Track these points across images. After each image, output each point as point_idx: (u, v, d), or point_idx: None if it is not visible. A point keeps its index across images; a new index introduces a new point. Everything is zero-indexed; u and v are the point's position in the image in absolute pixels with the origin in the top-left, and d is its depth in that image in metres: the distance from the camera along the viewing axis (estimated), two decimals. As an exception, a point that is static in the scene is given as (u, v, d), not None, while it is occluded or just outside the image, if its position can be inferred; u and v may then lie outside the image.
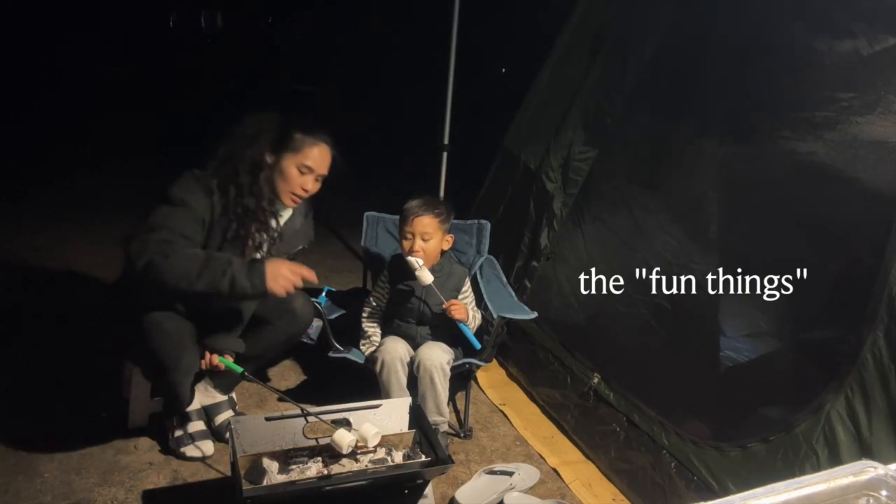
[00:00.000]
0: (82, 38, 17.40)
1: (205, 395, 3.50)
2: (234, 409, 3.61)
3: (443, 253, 3.78)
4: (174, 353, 3.09)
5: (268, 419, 2.97)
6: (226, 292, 2.87)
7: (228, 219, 3.13)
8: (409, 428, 3.12)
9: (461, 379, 3.78)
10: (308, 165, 3.23)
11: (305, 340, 3.60)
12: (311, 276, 3.03)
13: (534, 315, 3.92)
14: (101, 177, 7.73)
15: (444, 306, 3.58)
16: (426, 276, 3.54)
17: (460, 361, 3.68)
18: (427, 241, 3.62)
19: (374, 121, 13.44)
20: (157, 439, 3.41)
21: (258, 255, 3.23)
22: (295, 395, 3.91)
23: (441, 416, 3.52)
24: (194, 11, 22.00)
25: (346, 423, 3.04)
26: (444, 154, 5.66)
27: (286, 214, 3.37)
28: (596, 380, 3.68)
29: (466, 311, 3.64)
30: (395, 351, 3.52)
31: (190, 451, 3.31)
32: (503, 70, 13.24)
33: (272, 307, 3.36)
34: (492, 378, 4.39)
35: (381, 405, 3.14)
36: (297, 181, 3.23)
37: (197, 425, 3.38)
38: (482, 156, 5.29)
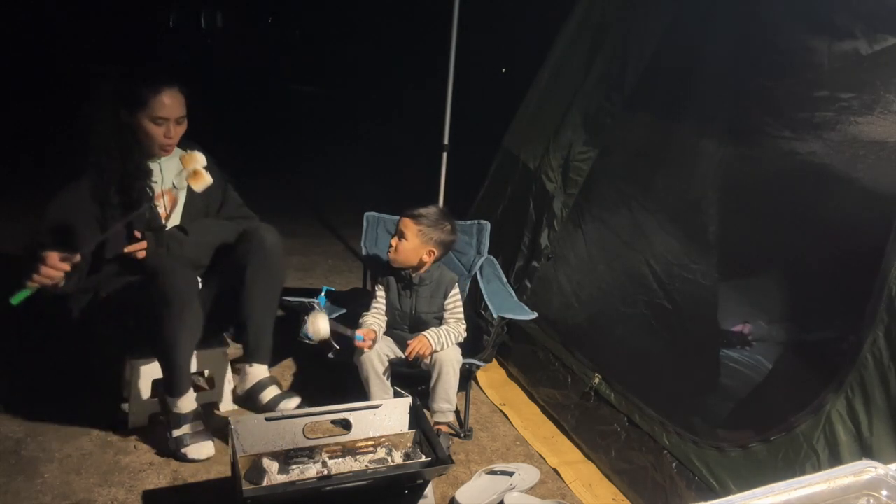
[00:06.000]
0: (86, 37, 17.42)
1: (245, 377, 3.58)
2: (278, 386, 3.66)
3: (433, 262, 3.83)
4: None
5: (268, 419, 2.97)
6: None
7: (111, 186, 3.26)
8: (410, 428, 3.13)
9: (462, 379, 3.77)
10: (160, 116, 3.27)
11: (307, 341, 3.60)
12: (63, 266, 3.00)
13: (534, 315, 3.92)
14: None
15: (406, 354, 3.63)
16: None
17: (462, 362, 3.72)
18: (403, 240, 3.73)
19: (374, 121, 13.45)
20: (157, 439, 3.40)
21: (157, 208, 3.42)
22: (300, 377, 4.07)
23: (448, 402, 3.59)
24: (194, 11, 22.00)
25: (344, 424, 3.05)
26: (445, 154, 5.66)
27: (168, 165, 3.48)
28: (596, 380, 3.68)
29: (427, 342, 3.61)
30: (372, 363, 3.60)
31: (190, 452, 3.28)
32: (503, 70, 13.24)
33: (238, 250, 3.49)
34: (492, 378, 4.39)
35: (381, 405, 3.14)
36: (157, 132, 3.29)
37: (194, 426, 3.34)
38: (482, 156, 5.30)
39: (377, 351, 3.61)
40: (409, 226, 3.73)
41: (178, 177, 3.42)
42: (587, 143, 4.24)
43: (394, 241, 3.75)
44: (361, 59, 17.81)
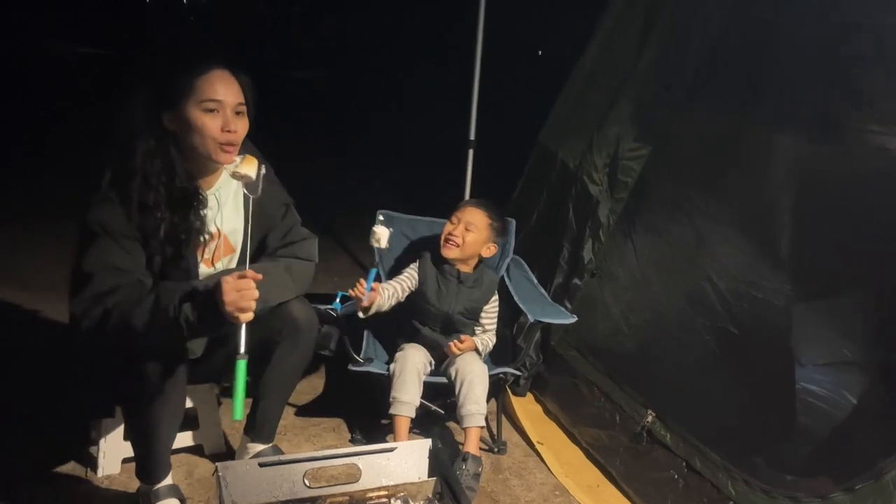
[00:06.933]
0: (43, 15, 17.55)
1: (244, 451, 3.54)
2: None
3: (480, 262, 4.16)
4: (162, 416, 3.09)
5: (262, 465, 2.98)
6: (185, 335, 2.83)
7: (156, 224, 2.97)
8: (429, 475, 3.14)
9: (493, 389, 4.00)
10: (212, 98, 2.95)
11: (323, 352, 3.66)
12: (255, 275, 2.82)
13: (573, 319, 4.05)
14: (62, 177, 7.76)
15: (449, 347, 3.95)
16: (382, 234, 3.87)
17: (494, 372, 3.95)
18: (469, 231, 4.02)
19: (386, 112, 13.46)
20: (131, 488, 3.42)
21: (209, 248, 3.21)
22: (301, 415, 4.14)
23: (477, 405, 3.75)
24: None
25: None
26: (471, 151, 5.69)
27: (223, 187, 3.27)
28: (650, 418, 3.68)
29: (473, 345, 4.00)
30: (414, 358, 3.87)
31: None
32: (539, 52, 13.24)
33: (272, 326, 3.31)
34: (527, 410, 4.44)
35: (395, 448, 3.15)
36: (212, 125, 2.96)
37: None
38: (515, 154, 5.31)
39: (424, 354, 3.96)
40: (480, 217, 4.07)
41: (237, 206, 3.31)
42: (638, 138, 4.25)
43: (457, 231, 4.03)
44: (372, 40, 17.85)
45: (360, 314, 3.91)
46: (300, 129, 12.33)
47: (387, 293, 4.02)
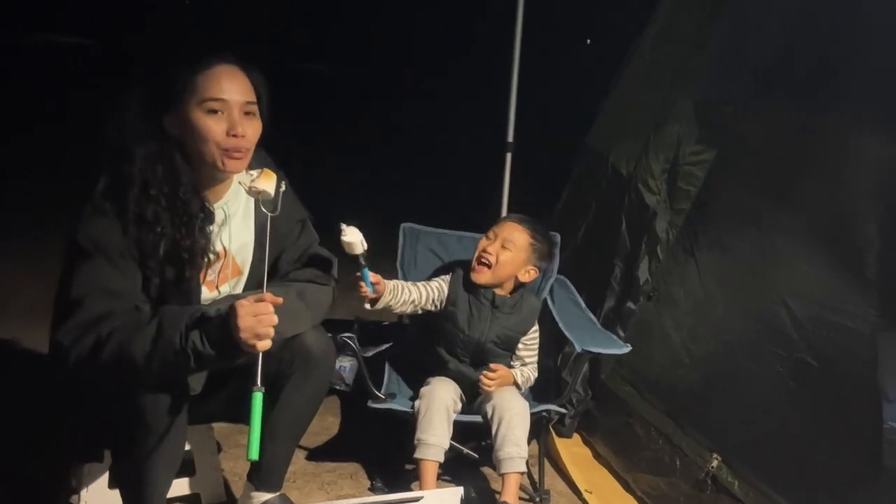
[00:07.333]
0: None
1: (248, 501, 3.50)
2: None
3: (519, 285, 4.12)
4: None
5: (270, 514, 3.00)
6: (191, 366, 2.82)
7: (156, 241, 2.93)
8: (461, 527, 3.15)
9: (535, 430, 3.99)
10: (216, 97, 2.92)
11: (339, 386, 3.66)
12: (274, 299, 2.82)
13: (627, 348, 4.03)
14: (47, 183, 7.82)
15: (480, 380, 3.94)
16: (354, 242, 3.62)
17: (536, 409, 3.93)
18: (506, 250, 4.02)
19: (407, 109, 13.47)
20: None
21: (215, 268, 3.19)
22: (314, 459, 4.15)
23: (518, 447, 3.71)
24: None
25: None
26: (508, 155, 5.70)
27: (232, 199, 3.25)
28: (715, 463, 3.68)
29: (510, 376, 4.00)
30: (442, 394, 3.84)
31: None
32: (588, 41, 13.24)
33: (281, 356, 3.23)
34: (573, 454, 4.43)
35: (422, 497, 3.16)
36: (216, 127, 2.92)
37: None
38: (558, 158, 5.31)
39: (453, 389, 3.95)
40: (521, 235, 4.04)
41: (246, 221, 3.30)
42: (701, 140, 4.24)
43: (492, 248, 3.99)
44: (390, 29, 17.88)
45: (367, 306, 3.86)
46: (312, 128, 12.37)
47: (406, 293, 4.00)
